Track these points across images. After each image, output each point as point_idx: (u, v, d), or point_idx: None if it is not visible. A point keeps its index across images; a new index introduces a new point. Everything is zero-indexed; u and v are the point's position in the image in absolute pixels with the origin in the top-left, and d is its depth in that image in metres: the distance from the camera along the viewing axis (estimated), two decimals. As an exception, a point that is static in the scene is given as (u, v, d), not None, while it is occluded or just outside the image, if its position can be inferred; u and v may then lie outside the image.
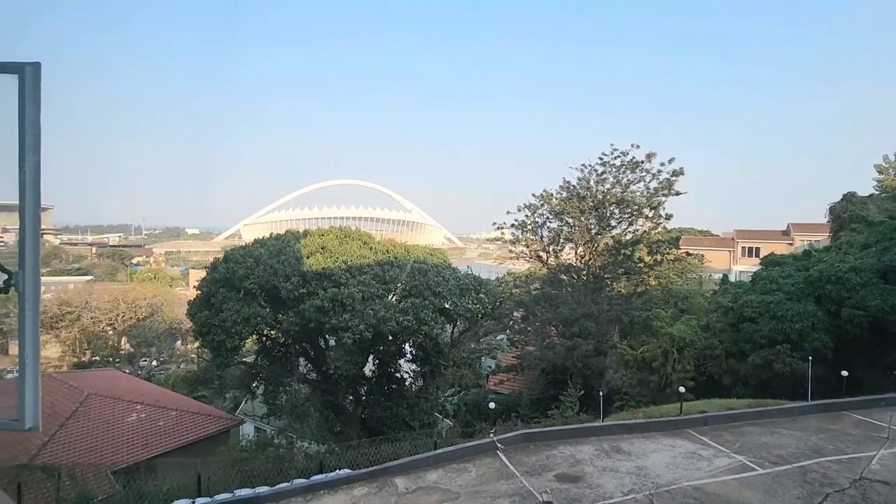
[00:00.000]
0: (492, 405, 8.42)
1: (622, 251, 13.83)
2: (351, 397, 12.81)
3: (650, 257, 14.12)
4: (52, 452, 10.14)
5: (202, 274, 14.01)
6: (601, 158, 13.78)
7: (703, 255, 23.93)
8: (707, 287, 15.66)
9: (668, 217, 13.94)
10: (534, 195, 14.52)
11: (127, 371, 19.71)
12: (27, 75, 1.29)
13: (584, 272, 14.12)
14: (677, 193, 13.47)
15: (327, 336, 11.94)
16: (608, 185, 13.79)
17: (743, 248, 28.74)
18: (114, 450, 11.14)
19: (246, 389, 14.42)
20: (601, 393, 8.11)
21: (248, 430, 14.64)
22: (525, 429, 7.20)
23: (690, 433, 6.37)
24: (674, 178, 13.36)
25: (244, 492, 6.66)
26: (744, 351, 9.22)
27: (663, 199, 13.54)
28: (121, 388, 13.75)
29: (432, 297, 11.55)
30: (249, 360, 13.61)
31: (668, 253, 14.52)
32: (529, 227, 14.61)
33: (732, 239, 29.91)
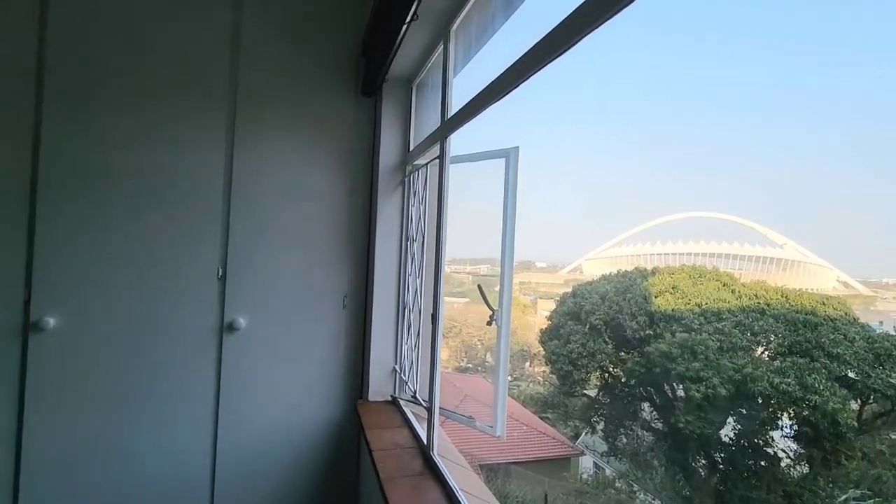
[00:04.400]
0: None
1: None
2: (704, 461, 11.17)
3: None
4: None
5: (548, 304, 15.46)
6: None
7: None
8: None
9: None
10: None
11: (489, 381, 23.55)
12: (511, 157, 1.63)
13: None
14: None
15: (675, 384, 10.92)
16: None
17: None
18: (479, 446, 13.43)
19: (586, 422, 14.74)
20: None
21: (586, 463, 14.87)
22: None
23: None
24: None
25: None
26: None
27: None
28: (485, 395, 16.59)
29: (825, 358, 8.89)
30: (592, 393, 13.90)
31: None
32: None
33: None
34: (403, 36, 1.62)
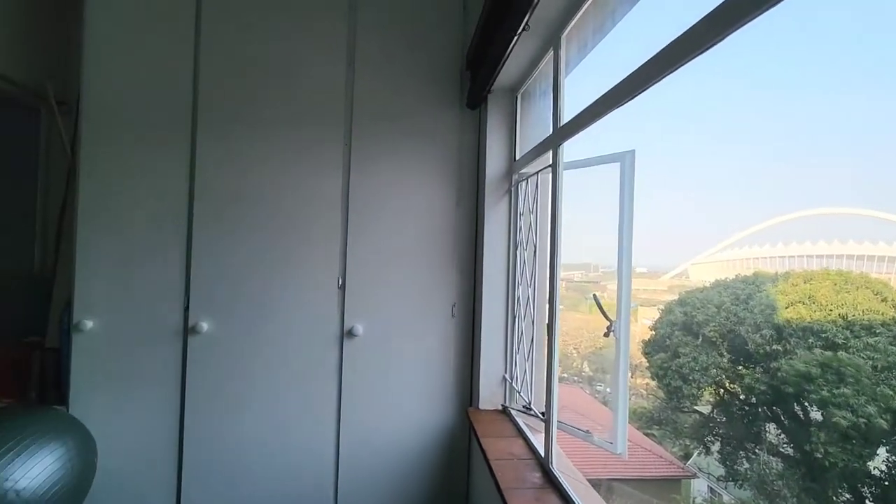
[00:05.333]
0: None
1: None
2: (848, 495, 9.66)
3: None
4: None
5: (649, 311, 14.43)
6: None
7: None
8: None
9: None
10: None
11: (587, 392, 22.56)
12: (626, 162, 1.55)
13: None
14: None
15: (808, 406, 9.58)
16: None
17: None
18: (581, 459, 12.90)
19: (699, 441, 13.49)
20: None
21: (699, 486, 13.60)
22: None
23: None
24: None
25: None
26: None
27: None
28: (583, 407, 15.88)
29: None
30: (704, 410, 12.72)
31: None
32: None
33: None
34: (512, 48, 1.63)
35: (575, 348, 26.65)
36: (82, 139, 2.12)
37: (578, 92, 1.69)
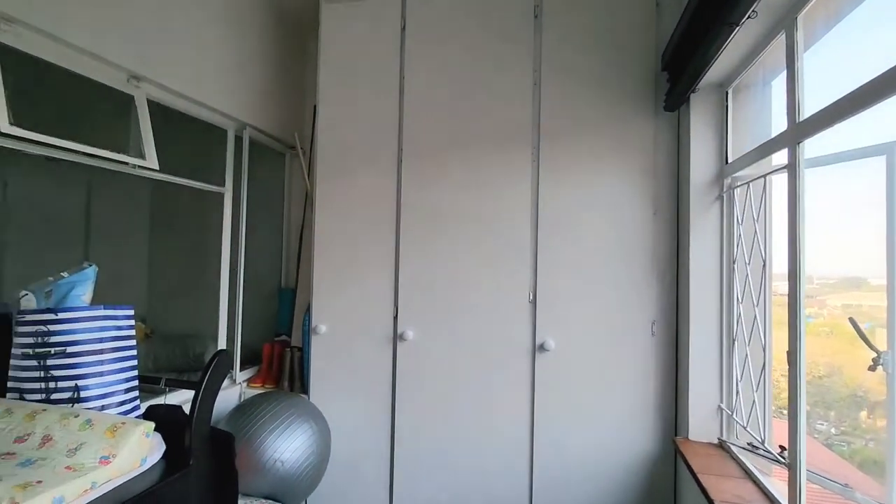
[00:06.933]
0: None
1: None
2: None
3: None
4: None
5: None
6: None
7: None
8: None
9: None
10: None
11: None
12: (895, 153, 1.26)
13: None
14: None
15: None
16: None
17: None
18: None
19: None
20: None
21: None
22: None
23: None
24: None
25: None
26: None
27: None
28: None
29: None
30: None
31: None
32: None
33: None
34: (731, 40, 1.47)
35: (783, 375, 22.27)
36: (316, 175, 2.57)
37: (821, 74, 1.43)
